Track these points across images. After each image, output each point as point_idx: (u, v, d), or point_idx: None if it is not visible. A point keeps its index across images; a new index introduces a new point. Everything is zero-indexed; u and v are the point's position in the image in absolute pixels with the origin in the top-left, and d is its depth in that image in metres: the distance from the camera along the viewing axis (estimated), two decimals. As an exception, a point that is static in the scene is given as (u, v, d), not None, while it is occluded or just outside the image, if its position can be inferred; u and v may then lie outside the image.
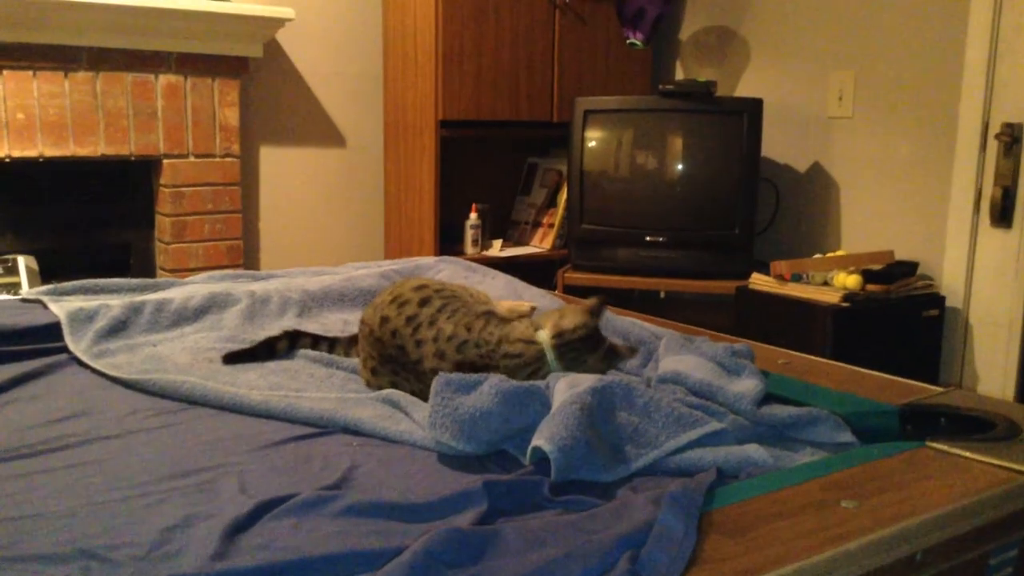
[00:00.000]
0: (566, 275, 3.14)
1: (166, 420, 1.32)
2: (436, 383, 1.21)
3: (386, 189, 3.56)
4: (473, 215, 3.40)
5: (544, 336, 1.33)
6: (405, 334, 1.35)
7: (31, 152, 2.82)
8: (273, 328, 1.81)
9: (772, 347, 1.64)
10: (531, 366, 1.32)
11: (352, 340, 1.63)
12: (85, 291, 1.86)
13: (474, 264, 2.18)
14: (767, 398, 1.32)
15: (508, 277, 2.08)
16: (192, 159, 3.11)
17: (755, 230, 3.09)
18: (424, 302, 1.39)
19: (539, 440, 1.10)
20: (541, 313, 1.43)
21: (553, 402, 1.19)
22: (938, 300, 2.86)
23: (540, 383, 1.23)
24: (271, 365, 1.56)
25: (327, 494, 1.04)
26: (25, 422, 1.29)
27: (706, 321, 3.26)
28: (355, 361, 1.54)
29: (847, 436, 1.22)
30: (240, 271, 2.11)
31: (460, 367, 1.30)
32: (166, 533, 0.95)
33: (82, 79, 2.87)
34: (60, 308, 1.73)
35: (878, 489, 0.99)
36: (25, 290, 2.73)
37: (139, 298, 1.82)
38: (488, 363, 1.31)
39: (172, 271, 3.13)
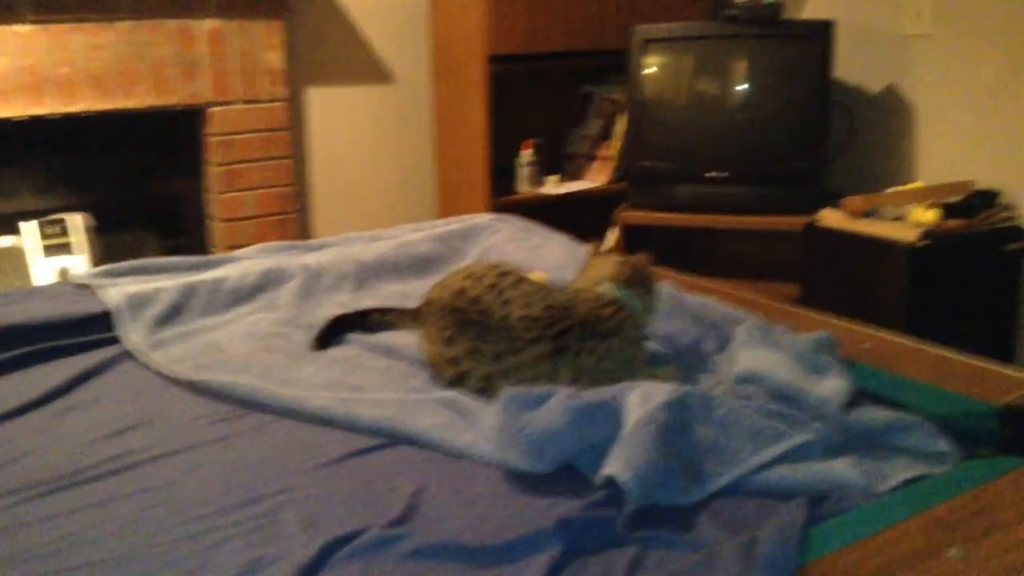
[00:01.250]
0: (624, 214, 3.03)
1: (225, 430, 1.29)
2: (501, 399, 1.15)
3: (435, 127, 3.45)
4: (526, 152, 3.28)
5: (607, 286, 1.39)
6: (488, 299, 1.35)
7: (76, 107, 2.77)
8: (329, 305, 1.77)
9: (854, 326, 1.54)
10: (612, 304, 1.35)
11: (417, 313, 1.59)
12: (139, 272, 1.83)
13: (531, 225, 2.09)
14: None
15: (567, 240, 1.99)
16: (239, 106, 3.03)
17: (825, 162, 2.94)
18: (503, 275, 1.40)
19: (613, 468, 1.04)
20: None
21: (626, 419, 1.12)
22: (1020, 233, 2.70)
23: (608, 396, 1.16)
24: (331, 355, 1.52)
25: (393, 532, 1.00)
26: (86, 435, 1.27)
27: (770, 259, 3.15)
28: (415, 348, 1.48)
29: (943, 445, 1.14)
30: (293, 242, 2.06)
31: (549, 309, 1.33)
32: (231, 584, 0.92)
33: (124, 29, 2.79)
34: (114, 293, 1.70)
35: (985, 529, 0.92)
36: (81, 250, 2.74)
37: (194, 278, 1.78)
38: (572, 303, 1.34)
39: (225, 221, 3.09)
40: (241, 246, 3.14)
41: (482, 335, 1.33)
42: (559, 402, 1.13)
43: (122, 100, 2.83)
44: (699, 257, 3.22)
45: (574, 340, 1.31)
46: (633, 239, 3.07)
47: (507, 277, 1.39)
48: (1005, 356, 2.77)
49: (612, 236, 3.13)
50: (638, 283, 1.42)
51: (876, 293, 2.64)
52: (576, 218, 3.43)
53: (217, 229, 3.16)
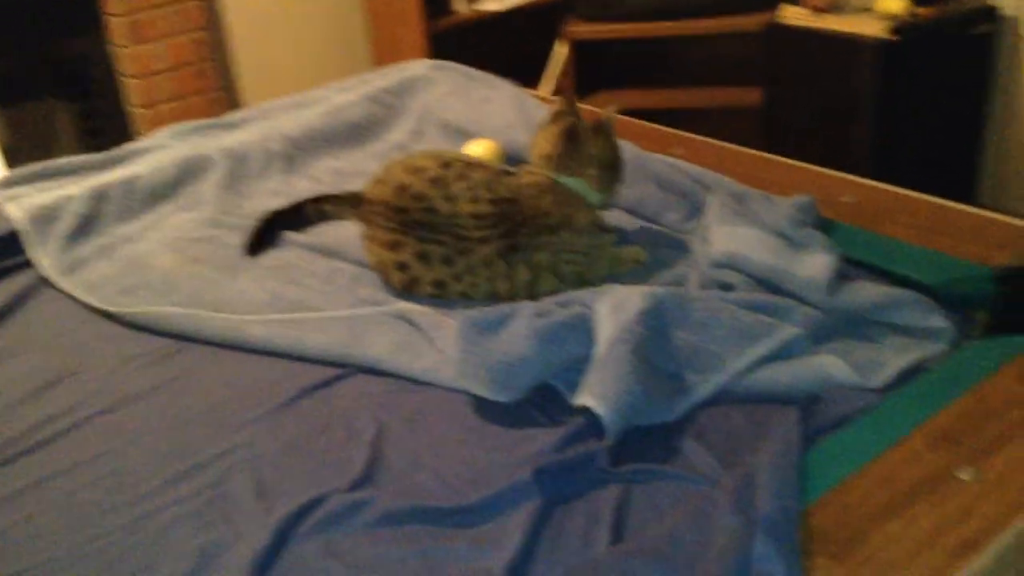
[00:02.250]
0: (572, 29, 2.80)
1: (160, 374, 1.17)
2: (460, 326, 1.04)
3: (356, -58, 3.11)
4: (459, -36, 2.98)
5: (541, 169, 1.28)
6: (432, 194, 1.23)
7: (-57, -33, 2.44)
8: (259, 194, 1.61)
9: (835, 174, 1.41)
10: (550, 193, 1.25)
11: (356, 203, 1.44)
12: (41, 177, 1.63)
13: (473, 71, 1.88)
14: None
15: (513, 89, 1.80)
16: (129, -57, 2.69)
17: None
18: (446, 165, 1.26)
19: (588, 398, 0.94)
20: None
21: (598, 334, 1.02)
22: (991, 13, 2.52)
23: (577, 310, 1.04)
24: (266, 261, 1.38)
25: (355, 498, 0.91)
26: (6, 396, 1.15)
27: (731, 63, 2.95)
28: (357, 246, 1.34)
29: (938, 320, 1.05)
30: (210, 120, 1.84)
31: (496, 204, 1.22)
32: (184, 582, 0.84)
33: None
34: (18, 208, 1.52)
35: (995, 441, 0.84)
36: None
37: (103, 179, 1.60)
38: (517, 195, 1.24)
39: (137, 77, 2.82)
40: (160, 103, 2.92)
41: (429, 236, 1.21)
42: (523, 323, 1.02)
43: (-6, -47, 2.49)
44: (655, 68, 3.03)
45: (526, 237, 1.19)
46: (583, 55, 2.86)
47: (451, 168, 1.24)
48: (974, 147, 2.67)
49: (560, 54, 2.91)
50: (568, 162, 1.27)
51: (844, 93, 2.50)
52: (521, 36, 3.18)
53: (131, 87, 2.89)
